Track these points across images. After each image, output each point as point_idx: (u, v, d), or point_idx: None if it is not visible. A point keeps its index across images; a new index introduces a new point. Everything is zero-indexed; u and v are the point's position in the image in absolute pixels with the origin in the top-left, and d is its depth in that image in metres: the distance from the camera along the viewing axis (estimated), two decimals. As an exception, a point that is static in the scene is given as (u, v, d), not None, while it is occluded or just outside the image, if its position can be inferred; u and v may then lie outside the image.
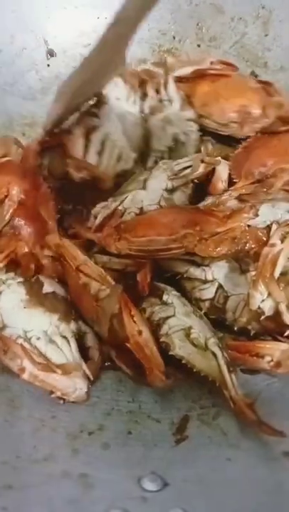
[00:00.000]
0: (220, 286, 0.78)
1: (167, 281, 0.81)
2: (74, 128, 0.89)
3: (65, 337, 0.74)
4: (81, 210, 0.92)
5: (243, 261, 0.78)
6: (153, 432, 0.71)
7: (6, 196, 0.85)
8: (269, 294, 0.73)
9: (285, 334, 0.75)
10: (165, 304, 0.77)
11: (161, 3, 0.65)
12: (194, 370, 0.71)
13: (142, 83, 0.95)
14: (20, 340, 0.72)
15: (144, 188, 0.85)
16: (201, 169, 0.85)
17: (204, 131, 0.95)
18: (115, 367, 0.77)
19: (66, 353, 0.73)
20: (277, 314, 0.73)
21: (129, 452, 0.68)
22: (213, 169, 0.86)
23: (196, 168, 0.85)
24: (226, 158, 0.89)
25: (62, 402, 0.72)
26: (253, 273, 0.75)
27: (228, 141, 0.95)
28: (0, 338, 0.73)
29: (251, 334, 0.77)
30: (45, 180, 0.91)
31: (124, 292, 0.74)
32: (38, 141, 0.93)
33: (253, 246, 0.77)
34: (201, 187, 0.87)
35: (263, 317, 0.74)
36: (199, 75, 0.99)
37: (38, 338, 0.73)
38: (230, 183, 0.86)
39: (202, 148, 0.92)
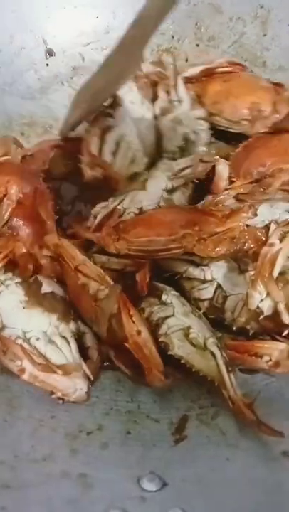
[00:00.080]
0: (219, 286, 0.78)
1: (166, 281, 0.81)
2: (89, 127, 0.90)
3: (64, 337, 0.74)
4: (80, 210, 0.93)
5: (241, 261, 0.78)
6: (152, 432, 0.71)
7: (4, 195, 0.85)
8: (268, 294, 0.73)
9: (284, 334, 0.75)
10: (164, 303, 0.77)
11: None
12: (193, 370, 0.71)
13: (153, 85, 0.96)
14: (19, 341, 0.72)
15: (143, 188, 0.85)
16: (201, 168, 0.85)
17: (214, 129, 0.95)
18: (114, 367, 0.77)
19: (66, 353, 0.73)
20: (275, 314, 0.73)
21: (128, 452, 0.68)
22: (214, 168, 0.86)
23: (196, 167, 0.85)
24: (226, 157, 0.89)
25: (61, 402, 0.72)
26: (252, 273, 0.75)
27: (229, 140, 0.95)
28: (-1, 339, 0.73)
29: (250, 334, 0.77)
30: (44, 180, 0.91)
31: (123, 292, 0.74)
32: (54, 145, 0.94)
33: (251, 246, 0.77)
34: (201, 187, 0.87)
35: (261, 317, 0.74)
36: (208, 74, 1.00)
37: (38, 339, 0.73)
38: (230, 182, 0.86)
39: (204, 148, 0.93)
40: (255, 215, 0.77)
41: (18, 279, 0.79)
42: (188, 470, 0.64)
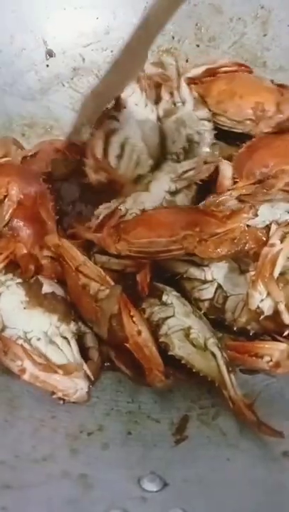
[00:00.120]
0: (219, 287, 0.78)
1: (167, 281, 0.81)
2: (94, 130, 0.90)
3: (65, 337, 0.74)
4: (81, 210, 0.93)
5: (242, 261, 0.78)
6: (152, 432, 0.71)
7: (5, 196, 0.85)
8: (268, 294, 0.73)
9: (284, 334, 0.75)
10: (164, 304, 0.77)
11: (160, 3, 0.65)
12: (194, 371, 0.71)
13: (156, 87, 0.96)
14: (20, 341, 0.72)
15: (146, 189, 0.85)
16: (206, 171, 0.85)
17: (216, 130, 0.95)
18: (115, 367, 0.77)
19: (67, 353, 0.73)
20: (276, 314, 0.73)
21: (129, 452, 0.68)
22: (217, 170, 0.86)
23: (200, 169, 0.85)
24: (228, 158, 0.89)
25: (62, 402, 0.72)
26: (253, 273, 0.75)
27: (231, 141, 0.95)
28: (0, 339, 0.73)
29: (250, 334, 0.77)
30: (44, 181, 0.91)
31: (123, 292, 0.74)
32: (57, 148, 0.94)
33: (252, 246, 0.77)
34: (204, 189, 0.87)
35: (262, 317, 0.74)
36: (211, 75, 1.00)
37: (39, 339, 0.73)
38: (233, 183, 0.86)
39: (207, 149, 0.93)
40: (256, 215, 0.77)
41: (19, 280, 0.79)
42: (189, 470, 0.64)
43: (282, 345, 0.73)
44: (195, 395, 0.74)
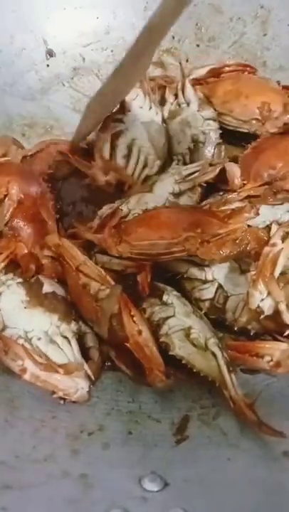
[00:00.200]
0: (220, 286, 0.78)
1: (167, 281, 0.81)
2: (100, 133, 0.90)
3: (65, 337, 0.74)
4: (81, 210, 0.93)
5: (242, 261, 0.78)
6: (153, 432, 0.71)
7: (5, 196, 0.85)
8: (269, 293, 0.73)
9: (285, 334, 0.75)
10: (165, 304, 0.77)
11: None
12: (194, 370, 0.71)
13: (160, 89, 0.97)
14: (21, 341, 0.72)
15: (150, 190, 0.86)
16: (211, 173, 0.85)
17: (221, 129, 0.95)
18: (115, 367, 0.77)
19: (67, 353, 0.73)
20: (276, 314, 0.73)
21: (130, 452, 0.68)
22: (222, 171, 0.86)
23: (205, 171, 0.85)
24: (234, 159, 0.89)
25: (62, 402, 0.72)
26: (253, 273, 0.75)
27: (237, 142, 0.95)
28: (1, 339, 0.72)
29: (251, 334, 0.77)
30: (45, 180, 0.91)
31: (123, 292, 0.74)
32: (60, 151, 0.94)
33: (254, 247, 0.77)
34: (209, 191, 0.87)
35: (262, 316, 0.74)
36: (215, 75, 1.00)
37: (39, 339, 0.73)
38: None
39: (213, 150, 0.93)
40: (258, 214, 0.77)
41: (20, 280, 0.79)
42: (190, 470, 0.64)
43: (283, 345, 0.73)
44: (196, 395, 0.74)
